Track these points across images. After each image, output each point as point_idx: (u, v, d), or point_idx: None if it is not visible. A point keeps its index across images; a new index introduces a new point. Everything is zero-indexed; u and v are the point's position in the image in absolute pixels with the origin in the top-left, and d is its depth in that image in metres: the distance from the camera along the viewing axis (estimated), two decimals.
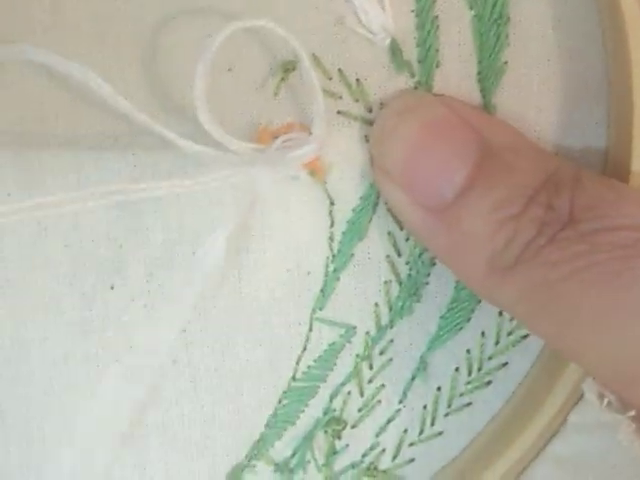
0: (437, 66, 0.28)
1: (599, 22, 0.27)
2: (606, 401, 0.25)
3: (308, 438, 0.31)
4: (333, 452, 0.31)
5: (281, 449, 0.31)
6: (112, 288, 0.29)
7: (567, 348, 0.25)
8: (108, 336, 0.29)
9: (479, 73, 0.28)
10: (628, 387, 0.24)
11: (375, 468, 0.31)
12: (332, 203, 0.29)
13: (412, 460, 0.31)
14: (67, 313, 0.29)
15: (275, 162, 0.27)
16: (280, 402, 0.30)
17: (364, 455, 0.31)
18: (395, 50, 0.27)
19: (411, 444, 0.31)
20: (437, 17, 0.27)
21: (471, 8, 0.27)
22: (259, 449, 0.31)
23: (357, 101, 0.28)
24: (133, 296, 0.29)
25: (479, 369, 0.31)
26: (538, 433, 0.29)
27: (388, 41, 0.27)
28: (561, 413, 0.29)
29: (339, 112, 0.28)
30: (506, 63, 0.27)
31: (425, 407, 0.31)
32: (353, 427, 0.31)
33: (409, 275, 0.30)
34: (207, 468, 0.31)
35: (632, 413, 0.25)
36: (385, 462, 0.31)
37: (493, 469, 0.30)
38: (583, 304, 0.24)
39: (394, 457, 0.31)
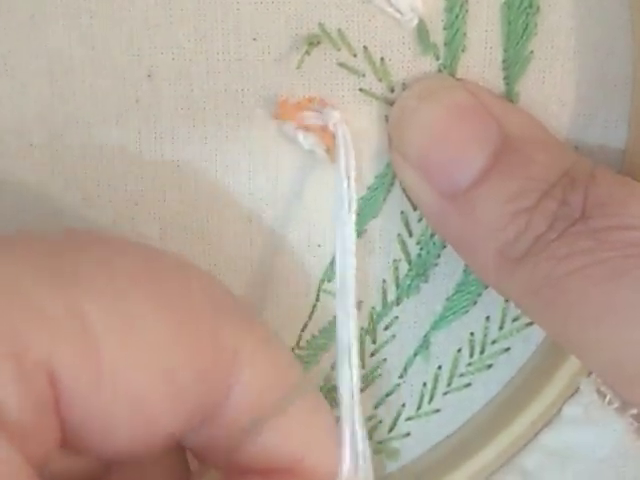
0: (463, 50, 0.27)
1: (630, 19, 0.26)
2: (608, 398, 0.25)
3: None
4: None
5: None
6: None
7: (569, 343, 0.26)
8: None
9: (504, 61, 0.27)
10: (628, 386, 0.24)
11: (371, 438, 0.32)
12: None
13: (408, 434, 0.32)
14: None
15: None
16: None
17: None
18: (422, 31, 0.27)
19: (408, 419, 0.32)
20: (467, 1, 0.27)
21: None
22: None
23: (380, 80, 0.28)
24: None
25: (481, 352, 0.31)
26: (532, 420, 0.30)
27: (415, 22, 0.27)
28: (556, 403, 0.29)
29: (361, 90, 0.28)
30: (532, 52, 0.27)
31: (425, 384, 0.31)
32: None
33: (419, 255, 0.30)
34: None
35: (634, 411, 0.25)
36: (381, 433, 0.32)
37: (485, 451, 0.30)
38: (587, 300, 0.24)
39: (390, 429, 0.32)
